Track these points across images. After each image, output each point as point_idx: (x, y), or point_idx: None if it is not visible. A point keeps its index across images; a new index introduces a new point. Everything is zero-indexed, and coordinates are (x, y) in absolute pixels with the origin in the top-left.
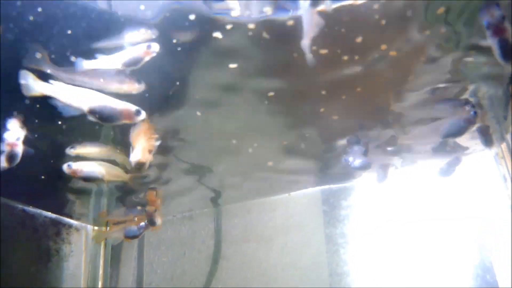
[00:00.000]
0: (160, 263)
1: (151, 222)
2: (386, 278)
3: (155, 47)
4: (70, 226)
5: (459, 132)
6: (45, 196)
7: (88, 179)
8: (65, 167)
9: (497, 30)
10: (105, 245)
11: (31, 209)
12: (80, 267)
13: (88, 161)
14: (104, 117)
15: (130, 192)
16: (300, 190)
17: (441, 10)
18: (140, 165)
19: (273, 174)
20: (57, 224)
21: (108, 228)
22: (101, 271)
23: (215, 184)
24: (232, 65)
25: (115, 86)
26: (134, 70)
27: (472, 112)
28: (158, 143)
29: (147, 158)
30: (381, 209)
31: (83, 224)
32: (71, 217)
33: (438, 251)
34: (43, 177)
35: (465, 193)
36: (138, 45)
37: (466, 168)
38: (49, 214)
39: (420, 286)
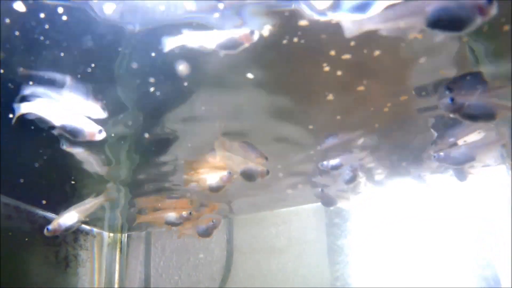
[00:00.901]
0: (166, 268)
1: None
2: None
3: (256, 35)
4: (87, 232)
5: None
6: (65, 203)
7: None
8: (45, 231)
9: (452, 112)
10: (120, 251)
11: (50, 215)
12: (95, 272)
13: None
14: None
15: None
16: (307, 204)
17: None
18: (216, 189)
19: (281, 188)
20: (75, 230)
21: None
22: (116, 276)
23: (227, 197)
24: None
25: None
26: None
27: None
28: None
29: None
30: (383, 221)
31: (99, 231)
32: (87, 223)
33: (441, 256)
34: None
35: (466, 197)
36: (239, 29)
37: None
38: None
39: None
